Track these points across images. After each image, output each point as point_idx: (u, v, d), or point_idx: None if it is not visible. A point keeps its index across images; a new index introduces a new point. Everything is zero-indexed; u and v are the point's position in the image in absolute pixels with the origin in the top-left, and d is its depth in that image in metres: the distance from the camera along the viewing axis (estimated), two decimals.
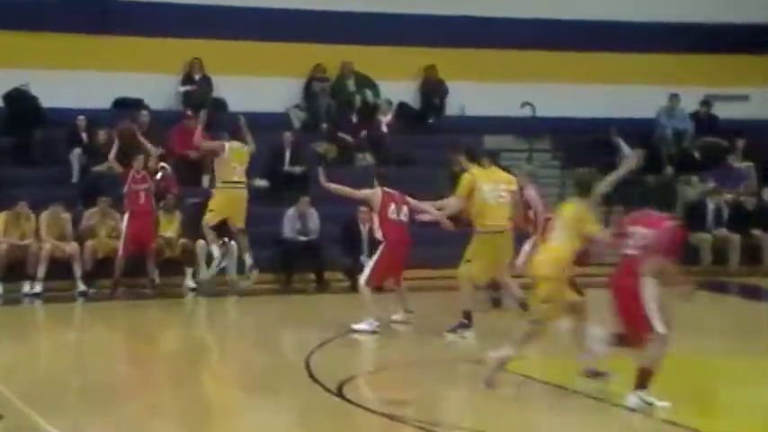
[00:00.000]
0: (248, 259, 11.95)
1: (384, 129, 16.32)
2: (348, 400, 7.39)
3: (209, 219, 11.78)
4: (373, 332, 9.89)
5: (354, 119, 16.24)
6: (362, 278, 10.06)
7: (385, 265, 10.02)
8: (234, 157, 11.88)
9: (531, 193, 10.65)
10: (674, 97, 17.16)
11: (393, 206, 10.15)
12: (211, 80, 16.11)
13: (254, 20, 16.23)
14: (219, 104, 16.04)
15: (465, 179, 9.75)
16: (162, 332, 11.00)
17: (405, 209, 10.21)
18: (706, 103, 17.44)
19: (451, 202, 9.99)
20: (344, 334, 9.90)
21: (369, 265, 10.23)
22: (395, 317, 10.45)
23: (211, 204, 11.85)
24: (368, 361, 9.30)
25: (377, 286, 10.27)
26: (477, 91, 16.83)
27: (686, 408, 7.10)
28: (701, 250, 15.12)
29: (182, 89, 16.01)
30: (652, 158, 16.69)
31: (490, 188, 9.66)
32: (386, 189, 10.29)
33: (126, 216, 12.88)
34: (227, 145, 11.91)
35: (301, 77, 16.60)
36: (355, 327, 9.95)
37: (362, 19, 16.68)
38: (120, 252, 12.68)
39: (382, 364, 8.92)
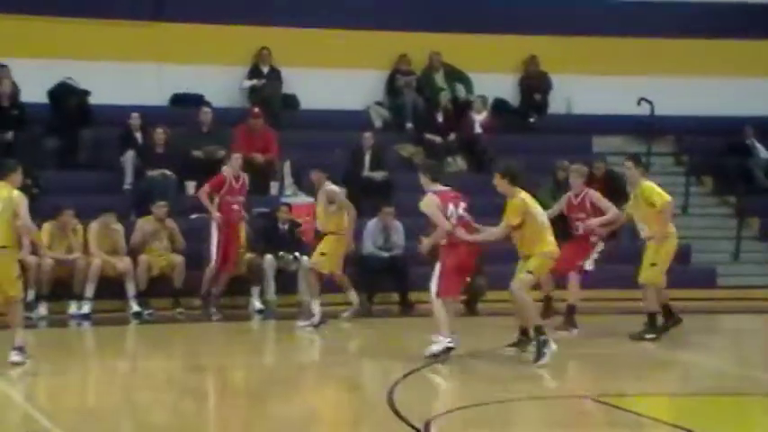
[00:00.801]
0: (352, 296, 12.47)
1: (478, 129, 16.02)
2: None
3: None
4: (447, 349, 9.59)
5: (443, 118, 15.95)
6: (432, 289, 9.82)
7: (453, 270, 9.71)
8: None
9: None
10: None
11: (450, 206, 9.87)
12: (281, 73, 15.99)
13: (330, 5, 16.11)
14: (290, 101, 15.92)
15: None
16: (226, 361, 10.81)
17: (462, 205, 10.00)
18: None
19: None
20: (433, 363, 9.63)
21: (434, 272, 9.94)
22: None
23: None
24: (460, 394, 9.01)
25: (454, 296, 10.01)
26: (586, 85, 16.47)
27: None
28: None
29: (247, 84, 15.91)
30: None
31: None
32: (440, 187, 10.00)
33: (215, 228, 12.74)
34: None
35: (384, 70, 16.41)
36: (428, 352, 9.68)
37: (453, 4, 16.44)
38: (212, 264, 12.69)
39: (477, 398, 8.61)
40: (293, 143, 15.04)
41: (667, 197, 10.72)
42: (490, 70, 16.47)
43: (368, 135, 15.01)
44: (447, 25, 16.40)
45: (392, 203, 13.67)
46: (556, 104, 16.80)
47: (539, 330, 9.48)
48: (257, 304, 13.13)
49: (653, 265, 10.57)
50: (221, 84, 15.80)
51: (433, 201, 9.79)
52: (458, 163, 15.62)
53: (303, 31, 15.98)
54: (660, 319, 10.77)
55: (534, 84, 16.68)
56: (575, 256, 11.35)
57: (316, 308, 11.80)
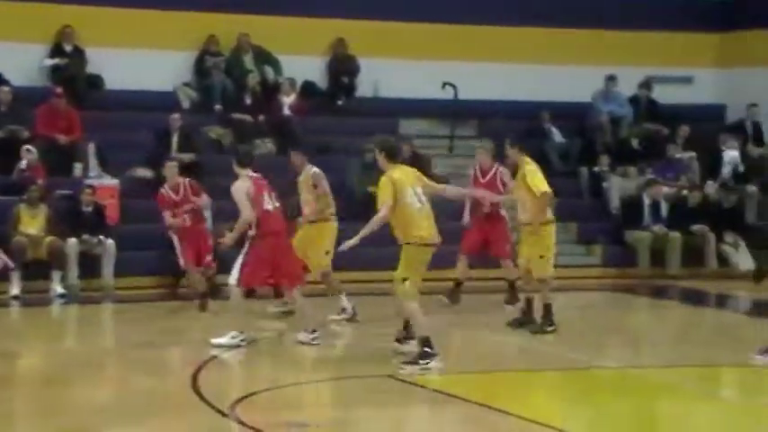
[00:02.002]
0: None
1: (287, 111, 15.93)
2: (241, 423, 7.19)
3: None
4: (237, 346, 9.48)
5: (252, 99, 15.77)
6: (233, 276, 9.65)
7: (258, 261, 9.60)
8: None
9: None
10: (611, 79, 17.11)
11: (265, 194, 9.75)
12: (85, 53, 15.45)
13: None
14: (94, 81, 15.39)
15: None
16: (23, 348, 10.39)
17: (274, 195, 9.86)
18: (646, 85, 17.45)
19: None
20: (240, 346, 9.53)
21: (239, 260, 9.79)
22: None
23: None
24: (266, 377, 8.95)
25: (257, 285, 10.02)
26: (393, 69, 16.58)
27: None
28: (639, 250, 15.08)
29: (48, 62, 15.31)
30: (586, 147, 16.68)
31: None
32: (252, 174, 9.81)
33: None
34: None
35: (192, 51, 16.07)
36: (215, 341, 9.50)
37: None
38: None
39: (282, 380, 8.58)
40: (98, 124, 14.58)
41: (545, 188, 10.12)
42: (299, 53, 16.39)
43: (175, 116, 14.71)
44: (256, 7, 16.22)
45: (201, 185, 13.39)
46: (363, 87, 16.87)
47: (424, 342, 8.78)
48: (58, 289, 12.67)
49: (541, 257, 10.19)
50: (21, 62, 15.15)
51: (242, 187, 9.49)
52: (267, 145, 15.48)
53: (108, 10, 15.49)
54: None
55: (342, 67, 16.70)
56: (502, 240, 11.63)
57: (345, 302, 10.93)
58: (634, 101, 17.36)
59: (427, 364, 8.71)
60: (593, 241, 15.51)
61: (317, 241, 10.79)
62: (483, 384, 8.75)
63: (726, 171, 16.18)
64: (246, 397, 7.92)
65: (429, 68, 16.57)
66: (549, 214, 10.30)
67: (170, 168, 12.29)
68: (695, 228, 15.29)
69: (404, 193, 8.80)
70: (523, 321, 10.49)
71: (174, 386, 8.67)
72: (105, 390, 8.68)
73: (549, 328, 10.30)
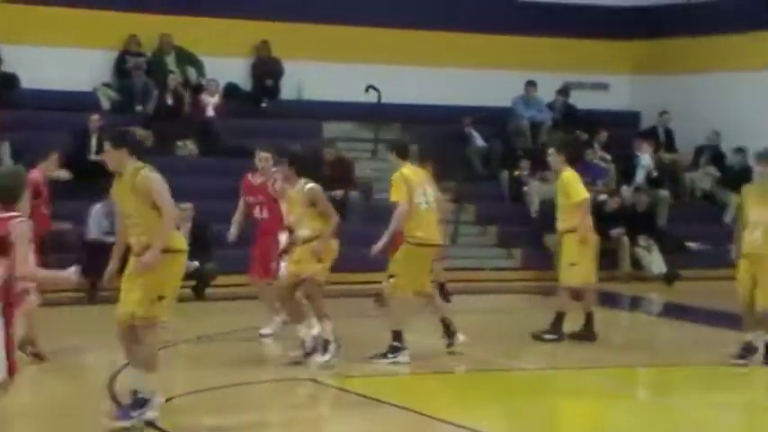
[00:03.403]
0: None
1: (210, 113, 15.79)
2: (157, 428, 7.12)
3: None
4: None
5: (174, 101, 15.61)
6: None
7: None
8: None
9: None
10: (531, 84, 17.31)
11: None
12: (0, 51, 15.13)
13: None
14: (9, 80, 15.08)
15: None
16: None
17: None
18: (563, 91, 17.68)
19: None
20: (160, 348, 9.41)
21: None
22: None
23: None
24: (185, 381, 8.85)
25: None
26: (317, 72, 16.54)
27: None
28: (556, 253, 15.25)
29: None
30: (507, 152, 16.84)
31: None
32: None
33: None
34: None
35: (112, 51, 15.84)
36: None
37: None
38: None
39: (205, 383, 8.50)
40: (13, 124, 14.27)
41: (585, 194, 9.95)
42: (222, 54, 16.26)
43: (94, 117, 14.48)
44: (178, 7, 16.06)
45: None
46: (287, 90, 16.80)
47: (395, 336, 8.94)
48: None
49: (572, 264, 9.97)
50: None
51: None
52: (189, 147, 15.33)
53: (25, 7, 15.21)
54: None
55: (266, 69, 16.62)
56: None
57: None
58: (552, 106, 17.58)
59: (395, 357, 8.88)
60: (514, 245, 15.66)
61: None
62: (402, 386, 8.78)
63: (639, 176, 16.47)
64: (166, 401, 7.83)
65: (353, 72, 16.58)
66: (589, 221, 10.11)
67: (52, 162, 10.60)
68: (612, 232, 15.51)
69: (415, 191, 8.90)
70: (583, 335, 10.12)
71: (89, 391, 8.54)
72: (19, 394, 8.50)
73: (548, 336, 10.05)
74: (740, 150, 16.64)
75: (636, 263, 15.52)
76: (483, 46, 17.55)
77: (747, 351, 9.21)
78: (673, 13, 17.68)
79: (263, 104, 16.52)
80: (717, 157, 17.07)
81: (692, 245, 16.03)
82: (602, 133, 16.95)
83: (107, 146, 7.26)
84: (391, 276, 8.95)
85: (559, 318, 10.09)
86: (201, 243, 12.73)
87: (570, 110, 17.66)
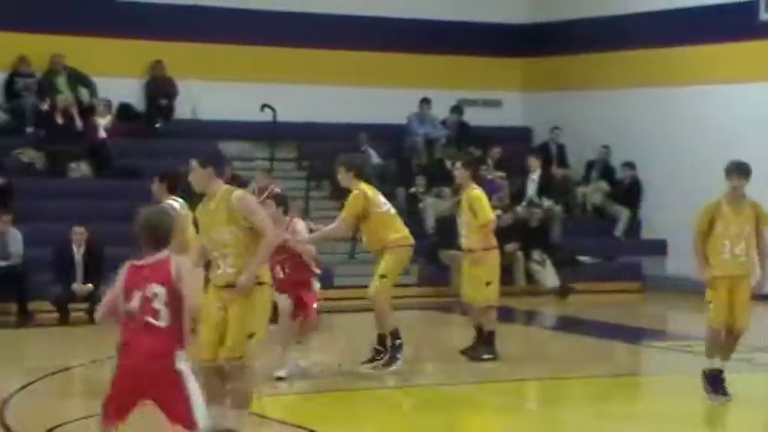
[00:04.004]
0: None
1: (102, 134, 15.58)
2: None
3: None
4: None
5: (66, 122, 15.37)
6: None
7: None
8: None
9: None
10: (425, 102, 17.54)
11: None
12: None
13: None
14: None
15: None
16: None
17: None
18: (457, 108, 17.96)
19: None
20: (54, 374, 9.30)
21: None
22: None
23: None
24: (82, 405, 8.72)
25: None
26: (212, 91, 16.48)
27: None
28: (453, 269, 15.45)
29: None
30: (402, 168, 17.02)
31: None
32: None
33: None
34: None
35: (1, 71, 15.54)
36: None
37: (75, 5, 15.88)
38: None
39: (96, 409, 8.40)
40: None
41: (491, 215, 10.18)
42: (115, 74, 16.07)
43: None
44: (70, 27, 15.83)
45: (10, 210, 13.02)
46: (182, 109, 16.68)
47: (395, 335, 9.34)
48: None
49: (488, 284, 10.12)
50: None
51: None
52: (81, 168, 15.12)
53: None
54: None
55: (160, 88, 16.48)
56: None
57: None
58: (446, 123, 17.84)
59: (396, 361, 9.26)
60: (410, 261, 15.77)
61: None
62: (299, 406, 8.80)
63: (531, 191, 16.81)
64: (58, 426, 7.72)
65: (248, 90, 16.55)
66: (493, 240, 10.28)
67: None
68: (507, 247, 15.76)
69: (377, 203, 9.26)
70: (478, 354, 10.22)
71: None
72: None
73: (487, 356, 10.13)
74: (629, 165, 17.12)
75: (530, 277, 15.82)
76: (377, 64, 17.71)
77: (718, 382, 8.52)
78: (563, 30, 18.11)
79: (158, 125, 16.37)
80: (607, 172, 17.51)
81: (583, 258, 16.42)
82: (494, 149, 17.24)
83: (193, 164, 6.87)
84: (383, 276, 9.23)
85: (490, 336, 10.20)
86: (95, 266, 12.59)
87: (464, 127, 17.94)
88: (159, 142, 16.00)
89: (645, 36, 16.84)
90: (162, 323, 5.35)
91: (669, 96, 16.66)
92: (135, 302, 5.36)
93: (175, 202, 8.82)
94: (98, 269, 12.48)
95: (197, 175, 6.83)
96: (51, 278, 12.72)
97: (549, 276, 15.74)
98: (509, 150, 17.34)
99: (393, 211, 9.50)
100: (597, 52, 17.56)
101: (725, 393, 8.50)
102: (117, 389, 5.45)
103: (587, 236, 17.01)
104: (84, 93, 15.96)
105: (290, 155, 17.07)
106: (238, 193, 6.74)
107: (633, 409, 9.10)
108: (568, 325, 13.78)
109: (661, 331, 13.53)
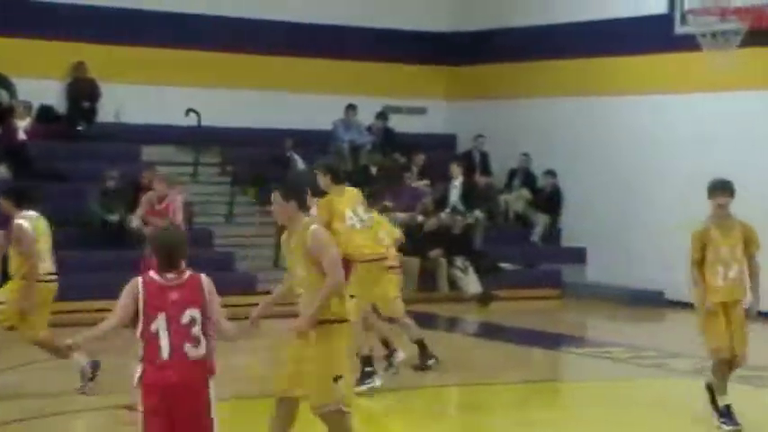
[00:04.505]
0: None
1: (22, 136, 15.34)
2: None
3: None
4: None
5: None
6: None
7: None
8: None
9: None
10: (351, 108, 17.61)
11: None
12: None
13: None
14: None
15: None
16: None
17: None
18: (382, 115, 18.06)
19: None
20: None
21: None
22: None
23: None
24: (16, 408, 8.62)
25: None
26: (136, 94, 16.31)
27: None
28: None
29: None
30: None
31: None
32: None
33: None
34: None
35: None
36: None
37: None
38: None
39: (34, 411, 8.32)
40: None
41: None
42: (35, 75, 15.83)
43: None
44: None
45: None
46: (105, 112, 16.49)
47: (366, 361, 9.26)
48: None
49: (396, 297, 10.09)
50: None
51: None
52: (1, 171, 14.86)
53: None
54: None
55: (82, 90, 16.27)
56: None
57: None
58: (372, 130, 17.93)
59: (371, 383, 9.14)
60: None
61: None
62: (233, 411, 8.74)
63: (454, 198, 16.97)
64: None
65: (173, 94, 16.44)
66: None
67: None
68: (432, 253, 15.92)
69: (341, 215, 8.88)
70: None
71: None
72: None
73: (430, 362, 10.25)
74: (550, 173, 17.39)
75: (453, 284, 15.98)
76: (303, 69, 17.70)
77: (731, 414, 8.14)
78: (487, 39, 18.32)
79: (80, 127, 16.16)
80: (528, 180, 17.76)
81: (505, 265, 16.63)
82: (419, 156, 17.38)
83: (275, 196, 6.42)
84: (351, 296, 8.50)
85: (422, 343, 10.32)
86: None
87: (389, 133, 18.05)
88: (82, 145, 15.81)
89: (567, 46, 17.12)
90: (199, 351, 5.25)
91: (591, 106, 16.96)
92: (164, 325, 5.21)
93: (24, 220, 8.81)
94: None
95: (278, 209, 6.40)
96: None
97: (471, 283, 15.90)
98: (433, 157, 17.48)
99: (358, 225, 8.99)
100: (521, 61, 17.80)
101: (737, 423, 8.12)
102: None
103: (509, 243, 17.23)
104: (3, 94, 15.68)
105: (214, 160, 16.97)
106: (314, 227, 6.32)
107: (554, 416, 9.25)
108: (490, 331, 13.94)
109: (580, 338, 13.77)
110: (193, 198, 15.38)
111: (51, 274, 9.13)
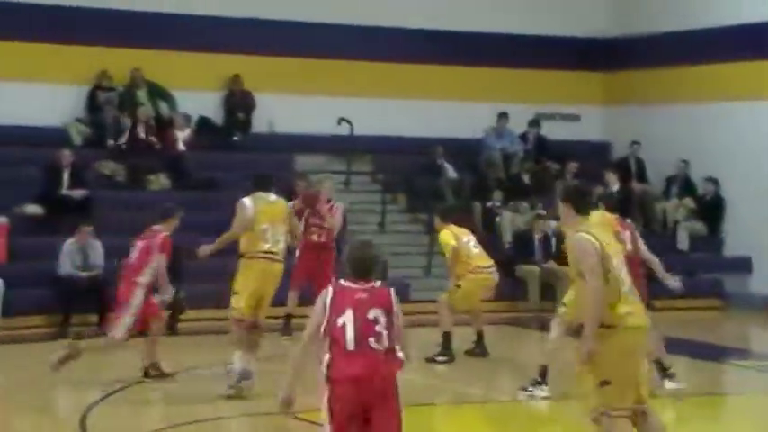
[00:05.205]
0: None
1: (182, 147, 15.83)
2: None
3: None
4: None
5: (146, 135, 15.64)
6: None
7: None
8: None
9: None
10: (503, 116, 17.49)
11: None
12: None
13: (28, 16, 15.41)
14: None
15: None
16: None
17: None
18: (535, 122, 17.87)
19: None
20: (132, 385, 9.42)
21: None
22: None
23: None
24: (159, 417, 8.84)
25: None
26: (288, 105, 16.62)
27: None
28: (529, 283, 15.34)
29: None
30: (479, 183, 16.96)
31: None
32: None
33: None
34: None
35: (84, 86, 15.87)
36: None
37: (155, 19, 16.18)
38: None
39: (178, 419, 8.50)
40: None
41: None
42: (194, 88, 16.32)
43: (66, 152, 14.48)
44: (149, 41, 16.09)
45: (91, 222, 13.27)
46: (259, 123, 16.86)
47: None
48: None
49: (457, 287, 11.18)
50: None
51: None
52: (161, 180, 15.36)
53: None
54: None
55: (238, 103, 16.69)
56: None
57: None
58: (524, 137, 17.75)
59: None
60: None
61: None
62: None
63: None
64: None
65: (325, 104, 16.67)
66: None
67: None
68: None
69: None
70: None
71: (61, 428, 8.51)
72: None
73: (441, 359, 10.66)
74: (711, 180, 16.85)
75: None
76: (454, 78, 17.69)
77: None
78: (642, 44, 17.92)
79: (235, 138, 16.56)
80: (688, 187, 17.24)
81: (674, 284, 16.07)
82: (572, 164, 17.09)
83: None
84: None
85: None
86: (173, 273, 12.72)
87: (542, 141, 17.83)
88: (237, 155, 16.18)
89: (724, 50, 16.59)
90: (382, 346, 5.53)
91: (750, 110, 16.37)
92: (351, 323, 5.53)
93: None
94: (176, 276, 12.62)
95: (560, 210, 6.58)
96: None
97: None
98: (588, 165, 17.16)
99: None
100: (677, 66, 17.36)
101: None
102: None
103: (667, 252, 16.70)
104: (163, 106, 16.22)
105: (365, 168, 17.12)
106: (576, 234, 6.32)
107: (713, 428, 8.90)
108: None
109: (744, 350, 13.24)
110: (346, 205, 15.52)
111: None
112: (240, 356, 9.13)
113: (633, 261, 8.67)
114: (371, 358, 5.49)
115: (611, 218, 9.05)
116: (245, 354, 9.16)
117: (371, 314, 5.53)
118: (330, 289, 5.65)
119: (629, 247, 8.99)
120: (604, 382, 6.16)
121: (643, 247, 9.57)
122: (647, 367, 6.74)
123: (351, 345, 5.49)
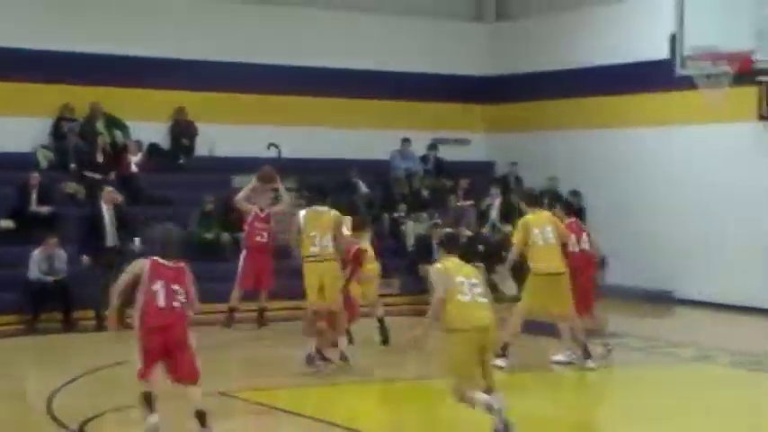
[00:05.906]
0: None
1: (134, 168, 15.76)
2: None
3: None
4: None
5: (103, 159, 15.53)
6: None
7: None
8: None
9: None
10: (406, 141, 17.80)
11: None
12: None
13: (4, 60, 15.24)
14: None
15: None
16: None
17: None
18: (433, 146, 18.24)
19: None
20: (92, 372, 9.39)
21: None
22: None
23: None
24: (117, 398, 8.83)
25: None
26: (226, 133, 16.68)
27: None
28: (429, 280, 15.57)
29: None
30: (387, 197, 17.23)
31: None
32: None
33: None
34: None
35: (50, 117, 15.74)
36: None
37: (112, 61, 16.09)
38: None
39: (128, 401, 8.50)
40: None
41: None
42: (145, 119, 16.28)
43: (35, 175, 14.33)
44: (107, 79, 16.02)
45: (56, 234, 13.17)
46: (201, 148, 16.88)
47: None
48: None
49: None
50: None
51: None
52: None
53: None
54: None
55: (183, 130, 16.68)
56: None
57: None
58: (424, 159, 18.08)
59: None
60: (393, 274, 15.95)
61: None
62: (297, 397, 8.87)
63: (493, 215, 17.01)
64: (97, 416, 7.82)
65: (256, 132, 16.78)
66: None
67: None
68: (475, 263, 15.93)
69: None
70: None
71: (29, 412, 8.45)
72: None
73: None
74: (575, 193, 17.32)
75: (493, 287, 15.95)
76: (366, 109, 17.95)
77: None
78: (520, 81, 18.42)
79: (181, 161, 16.56)
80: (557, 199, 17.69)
81: None
82: (463, 181, 17.47)
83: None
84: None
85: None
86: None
87: (439, 161, 18.18)
88: (182, 175, 16.18)
89: (587, 86, 17.19)
90: None
91: (609, 137, 16.99)
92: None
93: None
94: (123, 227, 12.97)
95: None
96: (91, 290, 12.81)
97: (507, 287, 15.86)
98: (475, 181, 17.56)
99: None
100: (548, 100, 17.90)
101: None
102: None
103: None
104: (119, 135, 16.13)
105: (291, 185, 17.19)
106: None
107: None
108: (531, 328, 13.80)
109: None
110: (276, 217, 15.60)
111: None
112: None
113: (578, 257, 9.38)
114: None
115: (552, 217, 10.67)
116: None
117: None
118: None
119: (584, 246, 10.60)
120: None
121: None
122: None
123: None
